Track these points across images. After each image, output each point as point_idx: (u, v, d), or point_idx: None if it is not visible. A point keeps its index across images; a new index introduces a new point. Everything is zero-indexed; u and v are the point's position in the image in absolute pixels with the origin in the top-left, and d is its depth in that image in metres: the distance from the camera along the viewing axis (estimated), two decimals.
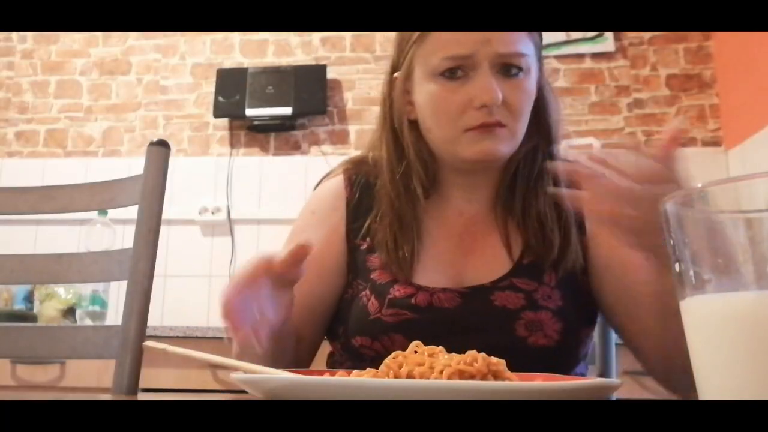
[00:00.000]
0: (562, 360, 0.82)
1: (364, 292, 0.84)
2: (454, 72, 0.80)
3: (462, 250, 0.87)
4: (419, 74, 0.84)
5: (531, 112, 0.85)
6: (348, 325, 0.84)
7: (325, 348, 0.97)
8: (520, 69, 0.80)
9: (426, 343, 0.78)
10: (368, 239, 0.87)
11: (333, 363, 0.91)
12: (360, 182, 0.91)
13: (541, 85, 0.86)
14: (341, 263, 0.88)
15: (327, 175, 0.97)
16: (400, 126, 0.88)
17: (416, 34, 0.83)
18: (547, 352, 0.78)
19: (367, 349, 0.81)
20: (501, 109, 0.79)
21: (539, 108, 0.86)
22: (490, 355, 0.77)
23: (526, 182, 0.87)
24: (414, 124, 0.87)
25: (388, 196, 0.87)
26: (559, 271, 0.83)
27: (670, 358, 0.74)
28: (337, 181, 0.93)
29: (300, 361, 0.85)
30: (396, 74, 0.88)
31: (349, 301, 0.86)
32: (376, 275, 0.84)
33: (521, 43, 0.80)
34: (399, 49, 0.87)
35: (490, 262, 0.85)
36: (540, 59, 0.86)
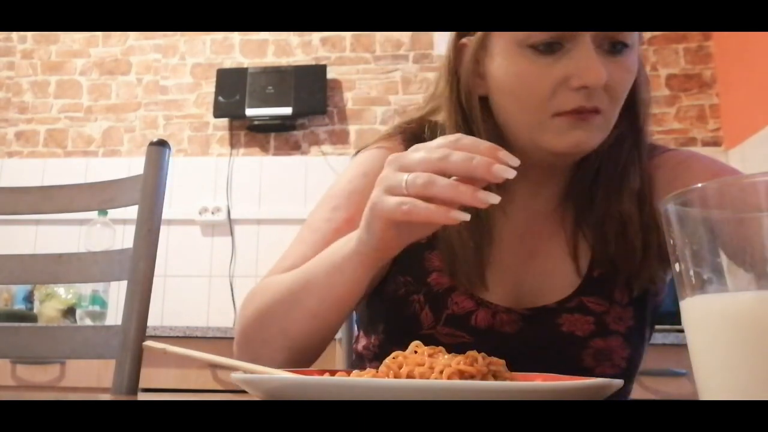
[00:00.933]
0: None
1: (417, 297, 0.74)
2: (551, 44, 0.66)
3: (524, 253, 0.76)
4: (503, 43, 0.69)
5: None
6: (392, 329, 0.75)
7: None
8: (625, 44, 0.67)
9: None
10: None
11: (360, 360, 0.83)
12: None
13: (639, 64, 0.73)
14: None
15: (375, 142, 0.83)
16: (468, 103, 0.73)
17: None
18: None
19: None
20: (601, 93, 0.66)
21: (631, 95, 0.72)
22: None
23: (610, 177, 0.74)
24: (484, 102, 0.73)
25: None
26: (635, 287, 0.73)
27: None
28: (393, 144, 0.80)
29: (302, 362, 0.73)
30: (465, 39, 0.74)
31: (396, 301, 0.75)
32: (433, 279, 0.74)
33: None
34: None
35: (556, 269, 0.75)
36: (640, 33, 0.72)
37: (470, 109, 0.73)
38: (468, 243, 0.72)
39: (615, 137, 0.73)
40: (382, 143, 0.81)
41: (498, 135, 0.73)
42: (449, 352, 0.72)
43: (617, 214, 0.73)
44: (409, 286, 0.75)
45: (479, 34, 0.72)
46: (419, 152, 0.53)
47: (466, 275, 0.72)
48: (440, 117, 0.78)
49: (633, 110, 0.73)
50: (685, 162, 0.75)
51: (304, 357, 0.70)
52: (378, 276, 0.75)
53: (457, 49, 0.75)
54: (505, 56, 0.69)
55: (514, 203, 0.77)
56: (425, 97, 0.83)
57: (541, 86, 0.66)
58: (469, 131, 0.73)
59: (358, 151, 0.85)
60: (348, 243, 0.63)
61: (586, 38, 0.65)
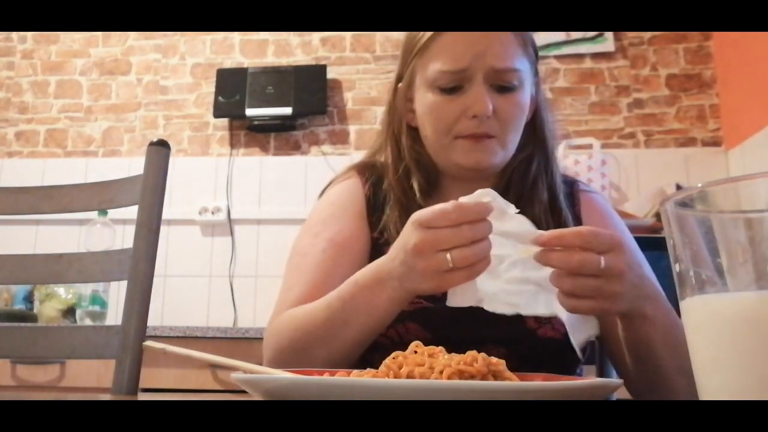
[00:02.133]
0: (569, 353, 0.82)
1: None
2: (453, 87, 0.84)
3: None
4: (419, 84, 0.89)
5: (527, 125, 0.90)
6: None
7: None
8: (511, 87, 0.84)
9: (438, 331, 0.79)
10: (384, 233, 0.90)
11: None
12: (373, 181, 0.95)
13: (537, 99, 0.92)
14: (367, 252, 0.90)
15: (333, 180, 0.99)
16: (399, 132, 0.94)
17: (418, 46, 0.88)
18: (555, 344, 0.82)
19: (382, 336, 0.81)
20: (492, 121, 0.84)
21: (535, 122, 0.92)
22: (500, 344, 0.78)
23: (520, 189, 0.90)
24: (415, 131, 0.93)
25: (394, 192, 0.91)
26: None
27: (640, 388, 0.77)
28: (353, 180, 0.96)
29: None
30: (400, 84, 0.93)
31: None
32: None
33: (515, 58, 0.84)
34: (403, 60, 0.92)
35: None
36: (536, 74, 0.91)
37: (400, 135, 0.94)
38: None
39: (526, 156, 0.91)
40: (341, 180, 0.98)
41: (425, 155, 0.92)
42: (410, 318, 0.81)
43: (530, 219, 0.83)
44: None
45: (407, 78, 0.91)
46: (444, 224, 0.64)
47: None
48: (381, 155, 0.97)
49: (540, 139, 0.92)
50: (605, 210, 0.95)
51: (341, 366, 0.78)
52: None
53: (394, 91, 0.95)
54: (422, 94, 0.89)
55: None
56: (371, 146, 1.01)
57: (446, 116, 0.85)
58: (399, 155, 0.93)
59: (322, 193, 1.00)
60: (380, 286, 0.71)
61: (479, 78, 0.83)
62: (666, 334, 0.71)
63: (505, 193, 0.88)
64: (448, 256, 0.63)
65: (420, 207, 0.86)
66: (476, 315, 0.79)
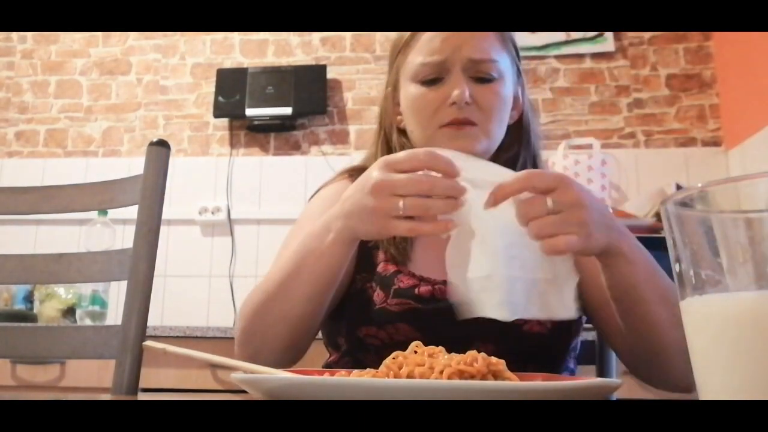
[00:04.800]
0: (555, 347, 0.86)
1: (369, 284, 0.87)
2: (433, 79, 0.87)
3: (445, 241, 0.89)
4: (402, 81, 0.92)
5: (514, 126, 0.93)
6: (353, 317, 0.86)
7: (323, 348, 0.97)
8: (490, 78, 0.87)
9: (427, 330, 0.80)
10: None
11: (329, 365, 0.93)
12: None
13: (523, 102, 0.95)
14: (352, 258, 0.89)
15: (325, 184, 1.00)
16: (389, 133, 0.96)
17: (400, 45, 0.92)
18: (541, 339, 0.83)
19: (373, 338, 0.84)
20: (472, 108, 0.85)
21: (522, 123, 0.94)
22: (487, 341, 0.79)
23: None
24: (404, 134, 0.95)
25: None
26: None
27: (637, 353, 0.79)
28: (344, 182, 0.96)
29: (299, 349, 0.84)
30: (388, 89, 0.96)
31: (354, 295, 0.88)
32: (381, 268, 0.88)
33: (493, 50, 0.86)
34: (390, 64, 0.96)
35: None
36: (519, 74, 0.93)
37: (390, 136, 0.96)
38: (397, 237, 0.87)
39: (511, 155, 0.93)
40: (331, 183, 0.98)
41: None
42: (400, 319, 0.82)
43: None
44: (364, 280, 0.88)
45: (392, 79, 0.94)
46: (404, 172, 0.67)
47: (400, 256, 0.89)
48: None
49: (525, 136, 0.95)
50: None
51: (302, 340, 0.81)
52: (347, 281, 0.89)
53: (385, 97, 0.98)
54: (405, 89, 0.91)
55: None
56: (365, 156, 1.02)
57: (427, 106, 0.87)
58: (389, 149, 0.94)
59: (320, 189, 1.00)
60: (326, 231, 0.74)
61: (457, 68, 0.86)
62: (649, 274, 0.72)
63: None
64: (401, 203, 0.65)
65: None
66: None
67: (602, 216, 0.68)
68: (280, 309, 0.76)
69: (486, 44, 0.86)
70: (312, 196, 1.01)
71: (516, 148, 0.94)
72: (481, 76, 0.86)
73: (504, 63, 0.88)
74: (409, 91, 0.89)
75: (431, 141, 0.87)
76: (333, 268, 0.75)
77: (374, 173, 0.67)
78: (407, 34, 0.91)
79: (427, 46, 0.87)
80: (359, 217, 0.69)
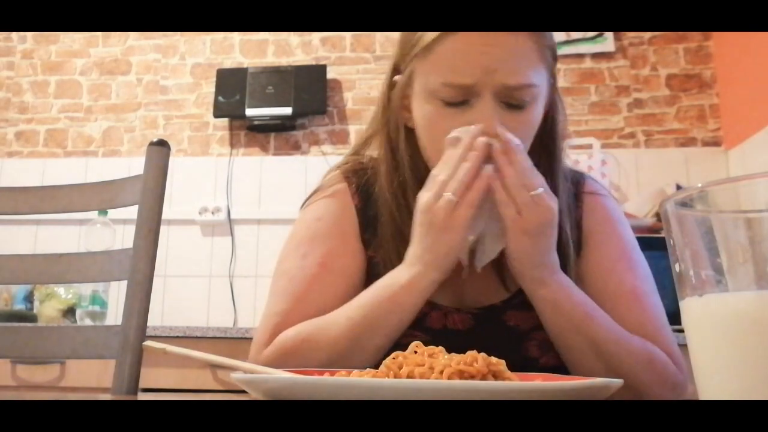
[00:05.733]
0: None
1: None
2: (455, 99, 0.75)
3: (461, 266, 0.82)
4: (418, 89, 0.78)
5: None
6: None
7: None
8: (525, 102, 0.75)
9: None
10: (379, 251, 0.83)
11: None
12: (362, 188, 0.86)
13: (550, 100, 0.82)
14: (363, 272, 0.83)
15: (318, 190, 0.89)
16: (396, 133, 0.84)
17: (420, 46, 0.76)
18: (557, 371, 0.76)
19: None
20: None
21: (545, 123, 0.82)
22: None
23: None
24: (411, 133, 0.83)
25: (387, 207, 0.83)
26: None
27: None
28: (341, 191, 0.87)
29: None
30: (397, 77, 0.83)
31: None
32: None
33: (531, 72, 0.74)
34: (402, 53, 0.81)
35: (489, 279, 0.83)
36: (553, 76, 0.81)
37: (397, 139, 0.83)
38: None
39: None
40: (328, 193, 0.87)
41: (419, 163, 0.82)
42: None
43: None
44: None
45: (405, 76, 0.80)
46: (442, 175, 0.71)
47: None
48: (372, 150, 0.89)
49: (549, 146, 0.84)
50: (607, 214, 0.89)
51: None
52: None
53: (390, 86, 0.84)
54: (420, 101, 0.78)
55: None
56: (359, 136, 0.92)
57: (443, 131, 0.75)
58: (397, 155, 0.83)
59: (305, 204, 0.91)
60: (398, 281, 0.72)
61: (487, 95, 0.73)
62: (578, 322, 0.73)
63: None
64: (449, 194, 0.67)
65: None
66: (475, 347, 0.77)
67: (542, 253, 0.71)
68: (341, 360, 0.72)
69: (524, 65, 0.73)
70: (305, 202, 0.90)
71: (536, 157, 0.81)
72: (513, 102, 0.74)
73: (541, 80, 0.76)
74: (427, 108, 0.77)
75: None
76: (409, 316, 0.73)
77: (440, 213, 0.69)
78: (428, 35, 0.75)
79: (454, 63, 0.73)
80: (435, 243, 0.70)
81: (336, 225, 0.84)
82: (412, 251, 0.73)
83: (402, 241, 0.79)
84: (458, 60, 0.73)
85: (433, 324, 0.80)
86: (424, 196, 0.71)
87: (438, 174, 0.71)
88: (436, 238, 0.70)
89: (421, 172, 0.80)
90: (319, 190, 0.89)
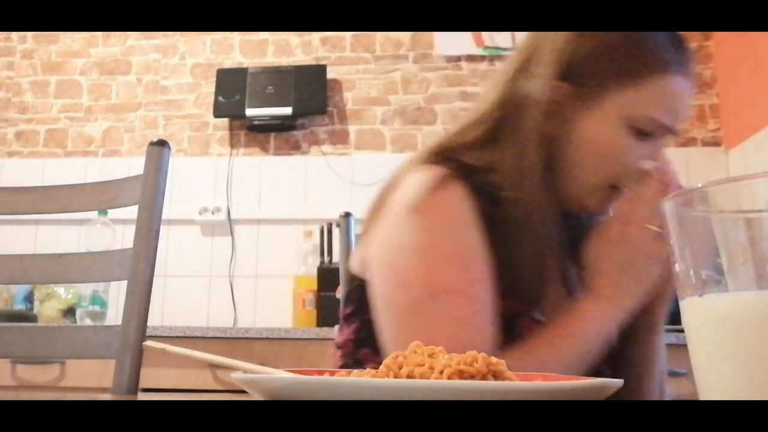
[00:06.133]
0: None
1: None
2: (646, 131, 0.75)
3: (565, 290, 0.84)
4: (608, 109, 0.74)
5: None
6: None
7: (323, 348, 0.97)
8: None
9: None
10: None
11: None
12: (484, 190, 0.76)
13: None
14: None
15: (418, 184, 0.75)
16: (539, 146, 0.76)
17: (629, 71, 0.73)
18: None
19: None
20: None
21: None
22: None
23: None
24: (550, 141, 0.77)
25: (532, 234, 0.75)
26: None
27: None
28: (450, 184, 0.75)
29: None
30: (563, 83, 0.75)
31: None
32: (501, 303, 0.74)
33: None
34: (590, 62, 0.75)
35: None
36: None
37: (539, 150, 0.76)
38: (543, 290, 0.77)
39: None
40: (442, 189, 0.74)
41: (548, 178, 0.77)
42: None
43: None
44: None
45: (594, 88, 0.75)
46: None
47: (529, 297, 0.76)
48: (492, 154, 0.78)
49: None
50: None
51: None
52: None
53: (556, 89, 0.75)
54: (605, 121, 0.75)
55: None
56: (469, 119, 0.82)
57: (618, 160, 0.75)
58: (520, 170, 0.75)
59: (414, 209, 0.76)
60: (609, 319, 0.72)
61: (665, 139, 0.78)
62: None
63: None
64: (654, 227, 0.70)
65: (558, 258, 0.78)
66: None
67: (622, 278, 0.73)
68: None
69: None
70: (414, 210, 0.74)
71: None
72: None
73: None
74: (610, 130, 0.74)
75: (591, 192, 0.77)
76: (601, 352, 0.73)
77: (650, 244, 0.70)
78: (646, 66, 0.73)
79: (667, 103, 0.74)
80: (649, 288, 0.71)
81: (467, 235, 0.74)
82: (610, 282, 0.72)
83: (542, 275, 0.76)
84: (674, 101, 0.74)
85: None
86: (619, 228, 0.73)
87: (631, 205, 0.73)
88: (644, 268, 0.71)
89: (547, 183, 0.76)
90: (427, 193, 0.74)
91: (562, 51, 0.75)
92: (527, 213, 0.75)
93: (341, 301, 0.91)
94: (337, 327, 0.95)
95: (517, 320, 0.74)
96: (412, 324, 0.70)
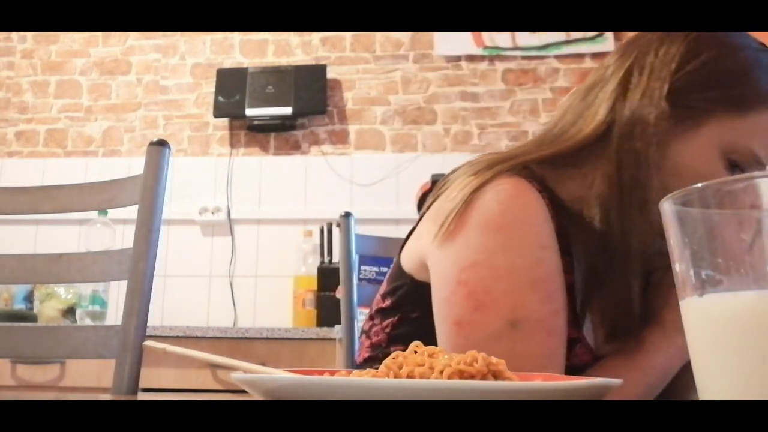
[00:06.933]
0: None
1: None
2: (737, 165, 0.69)
3: None
4: (709, 135, 0.69)
5: None
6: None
7: (323, 348, 0.97)
8: None
9: None
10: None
11: None
12: (558, 205, 0.73)
13: None
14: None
15: (512, 197, 0.70)
16: (626, 162, 0.70)
17: (744, 102, 0.69)
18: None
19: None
20: None
21: None
22: None
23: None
24: (646, 164, 0.70)
25: (624, 262, 0.70)
26: None
27: None
28: (535, 200, 0.70)
29: None
30: (667, 104, 0.70)
31: None
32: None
33: None
34: (700, 85, 0.70)
35: None
36: None
37: (629, 169, 0.70)
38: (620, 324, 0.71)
39: None
40: (528, 209, 0.70)
41: (636, 204, 0.71)
42: None
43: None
44: None
45: (698, 112, 0.70)
46: None
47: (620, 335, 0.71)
48: (582, 175, 0.73)
49: None
50: None
51: None
52: None
53: (659, 110, 0.70)
54: (702, 147, 0.69)
55: None
56: (556, 131, 0.76)
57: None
58: (636, 214, 0.69)
59: (469, 201, 0.70)
60: (658, 355, 0.68)
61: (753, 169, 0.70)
62: None
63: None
64: None
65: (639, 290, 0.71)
66: None
67: None
68: None
69: None
70: (497, 228, 0.69)
71: None
72: None
73: None
74: (710, 159, 0.69)
75: (648, 216, 0.71)
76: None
77: None
78: (760, 98, 0.69)
79: (765, 135, 0.69)
80: None
81: (549, 242, 0.70)
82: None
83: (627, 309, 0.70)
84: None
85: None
86: None
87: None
88: None
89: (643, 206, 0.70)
90: (495, 189, 0.70)
91: (670, 68, 0.70)
92: (616, 241, 0.70)
93: (382, 290, 0.85)
94: (337, 327, 0.94)
95: (575, 347, 0.71)
96: (489, 351, 0.67)
